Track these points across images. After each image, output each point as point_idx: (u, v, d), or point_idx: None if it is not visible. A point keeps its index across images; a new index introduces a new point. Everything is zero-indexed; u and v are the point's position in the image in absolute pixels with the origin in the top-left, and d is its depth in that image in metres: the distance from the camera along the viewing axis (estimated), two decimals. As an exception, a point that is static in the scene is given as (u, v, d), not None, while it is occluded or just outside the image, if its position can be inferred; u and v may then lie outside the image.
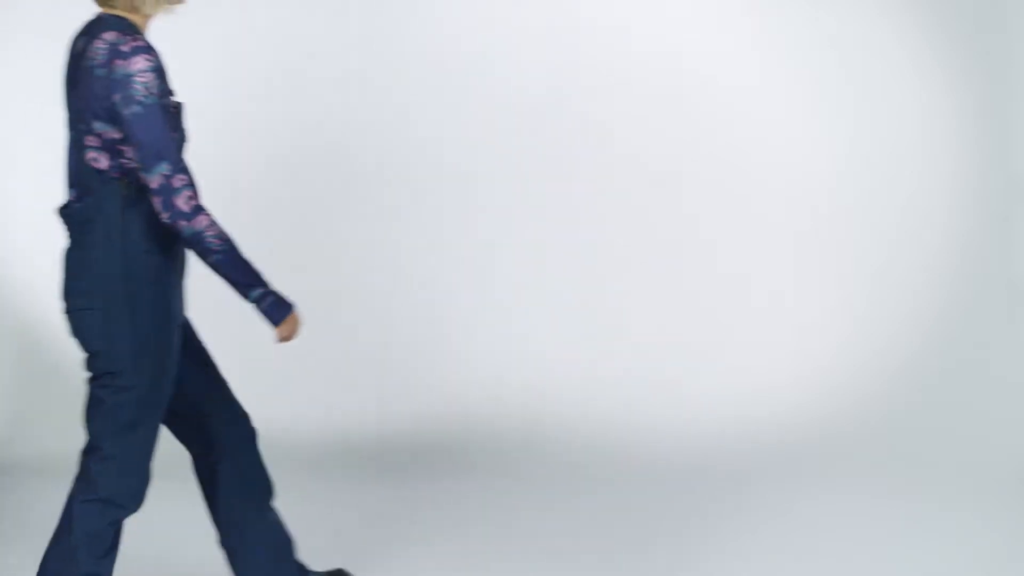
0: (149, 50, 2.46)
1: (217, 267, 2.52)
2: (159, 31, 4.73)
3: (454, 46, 4.72)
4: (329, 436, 4.48)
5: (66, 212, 2.60)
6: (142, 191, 2.50)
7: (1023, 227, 4.66)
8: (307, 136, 4.76)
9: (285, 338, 2.61)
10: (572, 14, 4.73)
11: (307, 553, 3.40)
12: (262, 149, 4.77)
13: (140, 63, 2.43)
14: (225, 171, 4.78)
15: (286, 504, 3.86)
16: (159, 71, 2.48)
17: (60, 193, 4.77)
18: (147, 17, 2.57)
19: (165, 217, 2.46)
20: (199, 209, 2.48)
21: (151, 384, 2.62)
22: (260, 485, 2.89)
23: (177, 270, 2.65)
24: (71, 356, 4.70)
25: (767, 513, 3.71)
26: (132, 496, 2.73)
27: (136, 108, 2.42)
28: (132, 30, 2.52)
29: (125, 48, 2.44)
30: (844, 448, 4.32)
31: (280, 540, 2.91)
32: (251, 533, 2.87)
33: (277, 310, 2.58)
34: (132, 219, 2.52)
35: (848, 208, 4.80)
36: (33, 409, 4.51)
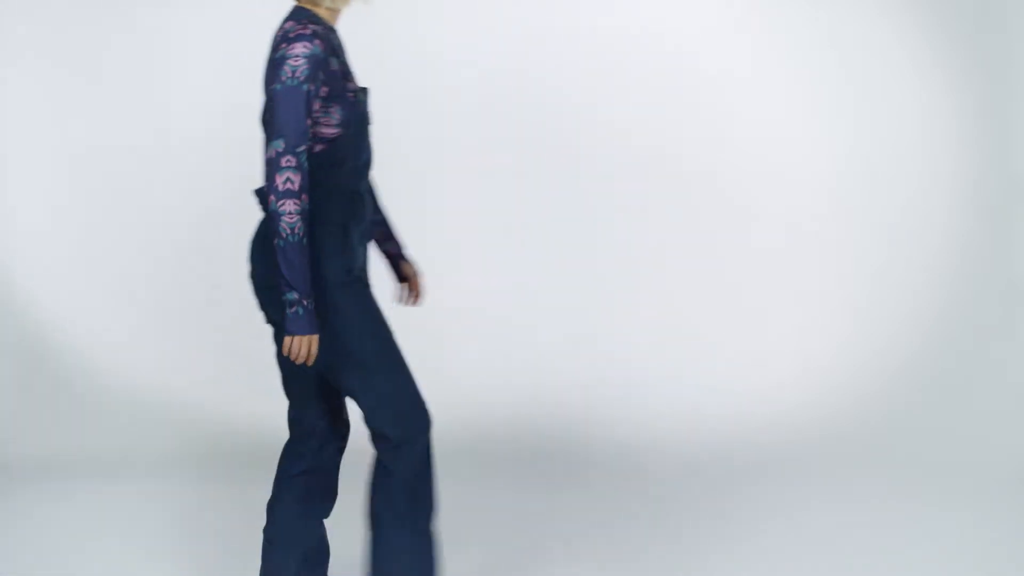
0: (311, 39, 2.54)
1: (277, 251, 2.53)
2: (160, 30, 4.75)
3: (456, 46, 4.72)
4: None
5: (258, 191, 2.70)
6: (316, 170, 2.60)
7: (1023, 227, 4.66)
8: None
9: (286, 350, 2.60)
10: (572, 14, 4.73)
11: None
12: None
13: (297, 48, 2.52)
14: (226, 171, 4.80)
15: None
16: (314, 59, 2.53)
17: (60, 199, 4.81)
18: (331, 10, 2.65)
19: (266, 188, 2.56)
20: (290, 194, 2.51)
21: (370, 336, 2.72)
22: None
23: (357, 235, 2.71)
24: (71, 357, 4.71)
25: (767, 513, 3.71)
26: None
27: (277, 86, 2.53)
28: (311, 19, 2.60)
29: (292, 35, 2.55)
30: (844, 448, 4.32)
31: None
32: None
33: (297, 322, 2.55)
34: (319, 194, 2.61)
35: (848, 208, 4.80)
36: (33, 409, 4.52)
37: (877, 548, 3.41)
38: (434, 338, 4.68)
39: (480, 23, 4.72)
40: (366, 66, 4.74)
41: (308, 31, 2.54)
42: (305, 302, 2.54)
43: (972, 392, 4.49)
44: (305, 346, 2.57)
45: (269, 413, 4.59)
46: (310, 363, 2.61)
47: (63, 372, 4.65)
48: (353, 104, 2.62)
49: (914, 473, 4.10)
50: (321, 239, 2.62)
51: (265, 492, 3.99)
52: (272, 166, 2.52)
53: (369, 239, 2.80)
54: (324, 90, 2.56)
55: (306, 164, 2.54)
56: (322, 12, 2.64)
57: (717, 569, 3.25)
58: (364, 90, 2.69)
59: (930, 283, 4.75)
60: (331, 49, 2.58)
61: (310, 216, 2.58)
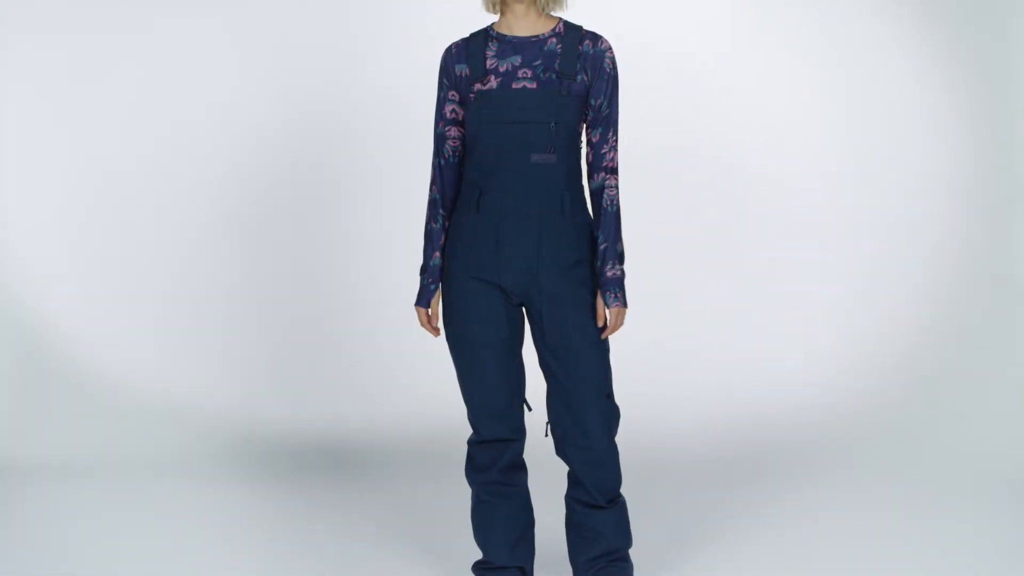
0: (446, 50, 2.91)
1: None
2: (160, 32, 4.75)
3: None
4: (328, 437, 4.49)
5: None
6: (462, 166, 2.96)
7: (1022, 224, 4.67)
8: (309, 137, 4.76)
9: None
10: (572, 15, 4.73)
11: (304, 551, 3.41)
12: (264, 148, 4.77)
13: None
14: (228, 170, 4.79)
15: (286, 503, 3.87)
16: (441, 68, 2.92)
17: (60, 200, 4.81)
18: (502, 15, 2.88)
19: None
20: (429, 187, 2.95)
21: (447, 328, 2.93)
22: None
23: (476, 230, 2.87)
24: (71, 357, 4.71)
25: (766, 512, 3.71)
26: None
27: None
28: (476, 32, 2.92)
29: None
30: (841, 444, 4.33)
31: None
32: None
33: (417, 295, 2.95)
34: (461, 186, 2.96)
35: (847, 206, 4.81)
36: (33, 409, 4.52)
37: (877, 547, 3.41)
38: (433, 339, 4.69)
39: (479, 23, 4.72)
40: (370, 67, 4.77)
41: (451, 44, 2.92)
42: (420, 278, 2.93)
43: (971, 391, 4.49)
44: (419, 317, 2.95)
45: (269, 413, 4.60)
46: (428, 331, 2.97)
47: (63, 372, 4.65)
48: (473, 104, 2.83)
49: (912, 469, 4.10)
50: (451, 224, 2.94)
51: (264, 491, 4.01)
52: None
53: (528, 239, 2.84)
54: (453, 94, 2.90)
55: (440, 160, 2.92)
56: (500, 21, 2.89)
57: (717, 569, 3.25)
58: (511, 91, 2.80)
59: (929, 280, 4.76)
60: (463, 56, 2.87)
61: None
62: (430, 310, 2.95)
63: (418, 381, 4.62)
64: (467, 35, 2.92)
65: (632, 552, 3.16)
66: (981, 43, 4.72)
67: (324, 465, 4.26)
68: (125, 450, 4.36)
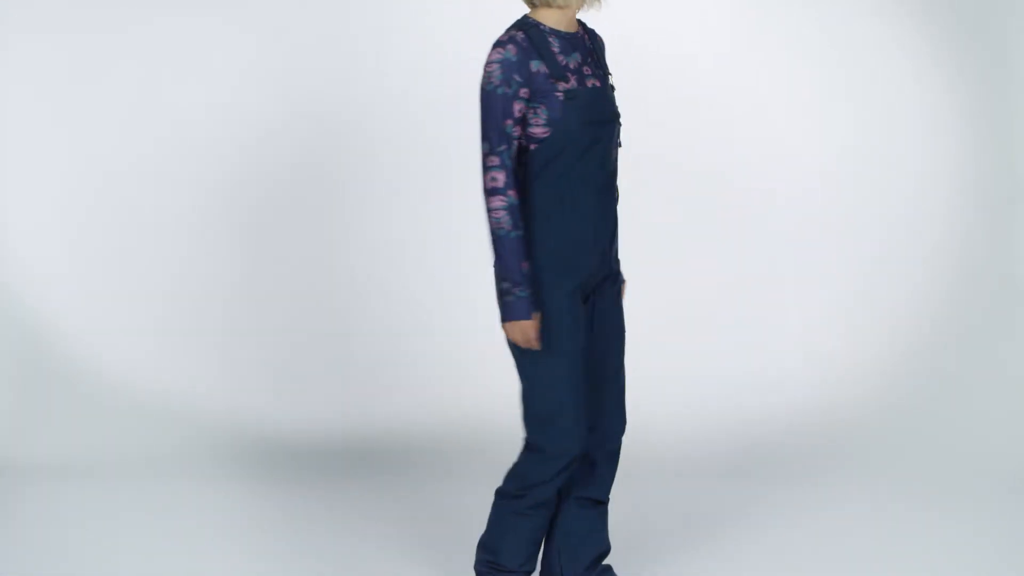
0: (505, 44, 2.71)
1: (491, 244, 2.77)
2: (159, 33, 4.75)
3: (455, 47, 4.71)
4: (329, 437, 4.49)
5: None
6: (534, 168, 2.78)
7: (1023, 227, 4.66)
8: (309, 137, 4.76)
9: (510, 336, 2.77)
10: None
11: (304, 551, 3.40)
12: (265, 148, 4.77)
13: (493, 55, 2.72)
14: (229, 170, 4.79)
15: (287, 503, 3.87)
16: (506, 63, 2.70)
17: (60, 199, 4.80)
18: (562, 10, 2.77)
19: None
20: (495, 191, 2.72)
21: (551, 351, 2.80)
22: None
23: (571, 236, 2.80)
24: (71, 357, 4.71)
25: (766, 512, 3.71)
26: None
27: (480, 93, 2.73)
28: (520, 26, 2.76)
29: (495, 43, 2.75)
30: (841, 444, 4.32)
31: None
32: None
33: (509, 310, 2.75)
34: (534, 190, 2.79)
35: (847, 206, 4.79)
36: (33, 409, 4.51)
37: (876, 547, 3.40)
38: (433, 340, 4.69)
39: (484, 30, 4.71)
40: (370, 67, 4.77)
41: (505, 37, 2.72)
42: (516, 291, 2.72)
43: (972, 391, 4.48)
44: (518, 332, 2.73)
45: (270, 413, 4.60)
46: (534, 346, 2.74)
47: (63, 372, 4.65)
48: (562, 104, 2.72)
49: (913, 469, 4.10)
50: (532, 231, 2.78)
51: (265, 492, 4.01)
52: (483, 168, 2.74)
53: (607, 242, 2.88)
54: (524, 91, 2.70)
55: (510, 163, 2.72)
56: (549, 16, 2.76)
57: (717, 570, 3.24)
58: (590, 90, 2.76)
59: (929, 280, 4.75)
60: (533, 52, 2.71)
61: (531, 210, 2.77)
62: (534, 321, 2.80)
63: (420, 382, 4.62)
64: (512, 30, 2.76)
65: (632, 554, 3.15)
66: (981, 43, 4.71)
67: (324, 465, 4.25)
68: (125, 450, 4.35)
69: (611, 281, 2.93)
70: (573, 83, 2.75)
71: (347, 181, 4.76)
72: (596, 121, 2.78)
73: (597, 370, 2.92)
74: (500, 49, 2.71)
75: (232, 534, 3.57)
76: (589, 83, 2.78)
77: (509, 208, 2.71)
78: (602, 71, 2.84)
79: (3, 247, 4.74)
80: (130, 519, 3.71)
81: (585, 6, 2.79)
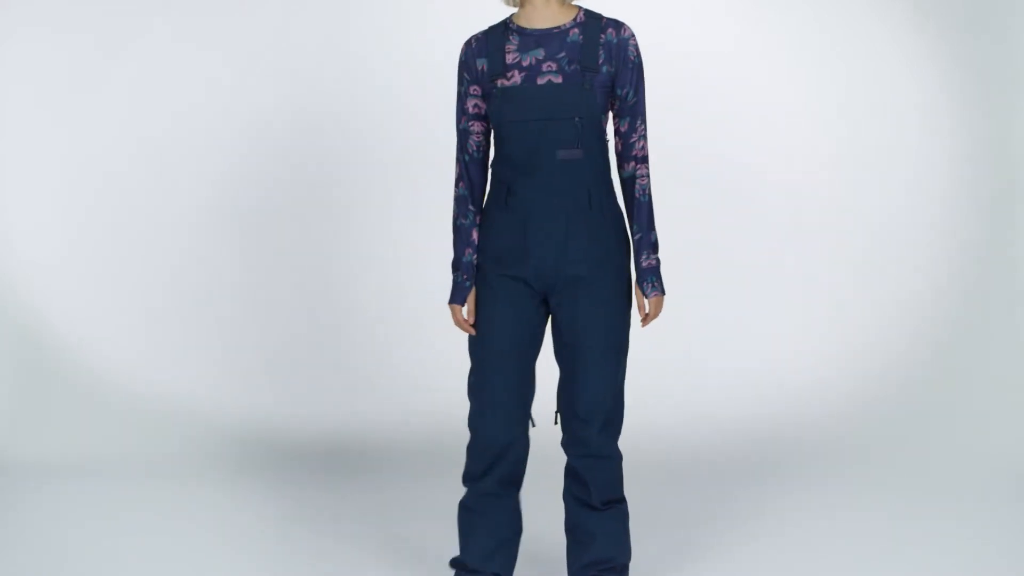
0: (465, 44, 2.88)
1: None
2: (157, 34, 4.75)
3: (455, 47, 4.71)
4: (329, 437, 4.49)
5: None
6: (492, 159, 2.91)
7: (1023, 227, 4.66)
8: (309, 136, 4.76)
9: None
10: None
11: (303, 550, 3.40)
12: (265, 147, 4.77)
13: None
14: (228, 169, 4.79)
15: (282, 502, 3.87)
16: (459, 63, 2.88)
17: (60, 200, 4.80)
18: (521, 7, 2.84)
19: None
20: (456, 184, 2.93)
21: (474, 338, 2.92)
22: None
23: (505, 226, 2.86)
24: (71, 358, 4.71)
25: (766, 512, 3.71)
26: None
27: None
28: (495, 25, 2.87)
29: None
30: (841, 448, 4.32)
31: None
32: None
33: (451, 292, 2.92)
34: (489, 182, 2.96)
35: (847, 207, 4.80)
36: (33, 409, 4.52)
37: (876, 547, 3.41)
38: (432, 340, 4.68)
39: (476, 23, 4.72)
40: (368, 67, 4.77)
41: (470, 37, 2.87)
42: (454, 275, 2.91)
43: (972, 392, 4.49)
44: (451, 314, 2.90)
45: (269, 413, 4.60)
46: (464, 329, 2.90)
47: (63, 372, 4.65)
48: (498, 100, 2.78)
49: (913, 469, 4.10)
50: (481, 221, 2.91)
51: (263, 491, 4.01)
52: None
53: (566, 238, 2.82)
54: (474, 88, 2.85)
55: (465, 156, 2.90)
56: (518, 14, 2.84)
57: (719, 570, 3.25)
58: (536, 87, 2.76)
59: (928, 280, 4.75)
60: (483, 51, 2.82)
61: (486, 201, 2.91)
62: (466, 307, 2.92)
63: (419, 382, 4.62)
64: (486, 28, 2.87)
65: (634, 556, 3.14)
66: (981, 43, 4.71)
67: (324, 465, 4.26)
68: (125, 450, 4.36)
69: (584, 284, 2.82)
70: (516, 79, 2.77)
71: (346, 181, 4.76)
72: (529, 119, 2.76)
73: (567, 379, 2.89)
74: (462, 48, 2.87)
75: (232, 534, 3.57)
76: (542, 79, 2.76)
77: (457, 199, 2.92)
78: (580, 66, 2.76)
79: (3, 247, 4.75)
80: (130, 519, 3.71)
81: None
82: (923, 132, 4.78)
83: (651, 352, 4.68)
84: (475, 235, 2.89)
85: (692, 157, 4.75)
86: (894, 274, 4.77)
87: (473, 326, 2.89)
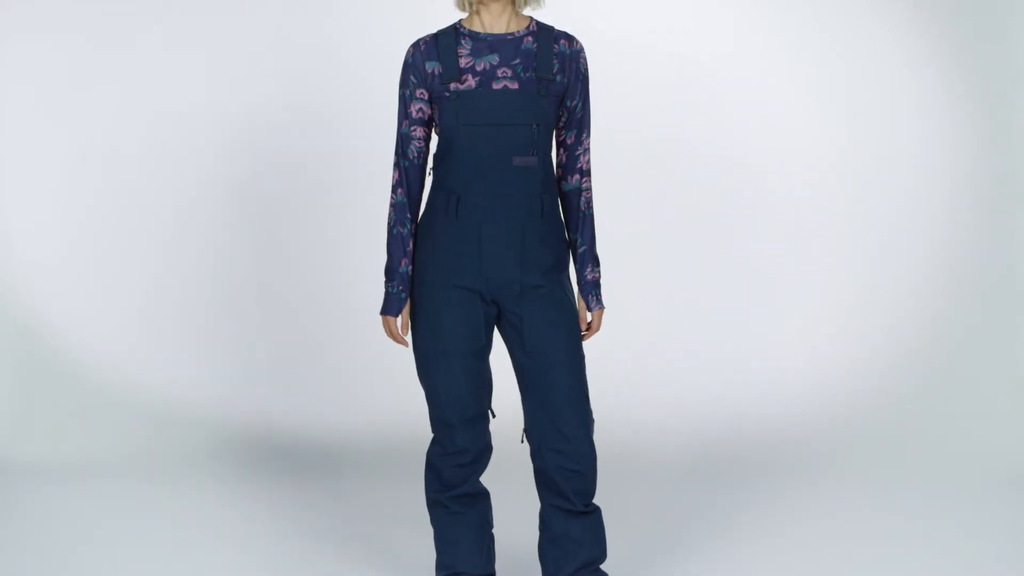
0: (412, 46, 2.80)
1: None
2: (155, 34, 4.75)
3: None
4: (329, 437, 4.49)
5: None
6: (436, 164, 2.83)
7: (1021, 222, 4.66)
8: (305, 138, 4.76)
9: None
10: (576, 21, 4.73)
11: (302, 550, 3.40)
12: (266, 147, 4.77)
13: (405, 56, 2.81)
14: (224, 170, 4.79)
15: (281, 503, 3.87)
16: (405, 65, 2.80)
17: (60, 200, 4.80)
18: (474, 12, 2.80)
19: None
20: (393, 188, 2.84)
21: (419, 336, 2.86)
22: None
23: (453, 236, 2.79)
24: (71, 357, 4.71)
25: (765, 512, 3.71)
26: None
27: None
28: (445, 29, 2.81)
29: None
30: (841, 448, 4.32)
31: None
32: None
33: (384, 303, 2.86)
34: (431, 188, 2.86)
35: (845, 205, 4.80)
36: (33, 409, 4.52)
37: (876, 547, 3.41)
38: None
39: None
40: (365, 68, 4.77)
41: (416, 41, 2.79)
42: (387, 285, 2.82)
43: (971, 392, 4.49)
44: (384, 326, 2.84)
45: (269, 413, 4.60)
46: (398, 341, 2.86)
47: (63, 372, 4.65)
48: (450, 104, 2.73)
49: (913, 469, 4.11)
50: (422, 228, 2.83)
51: (263, 491, 4.01)
52: None
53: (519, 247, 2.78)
54: (421, 92, 2.77)
55: (404, 162, 2.81)
56: (471, 19, 2.80)
57: (715, 571, 3.25)
58: (491, 92, 2.72)
59: (928, 281, 4.75)
60: (434, 54, 2.75)
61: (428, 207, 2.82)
62: (400, 319, 2.86)
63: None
64: (433, 31, 2.82)
65: (630, 555, 3.14)
66: (981, 43, 4.71)
67: (323, 466, 4.26)
68: (125, 450, 4.36)
69: (543, 292, 2.79)
70: (471, 84, 2.72)
71: (346, 182, 4.76)
72: (487, 124, 2.72)
73: (537, 387, 2.82)
74: (408, 51, 2.79)
75: (231, 534, 3.57)
76: (498, 85, 2.73)
77: (394, 205, 2.83)
78: (535, 74, 2.74)
79: (3, 247, 4.75)
80: (130, 519, 3.71)
81: (527, 7, 2.77)
82: (923, 132, 4.78)
83: (651, 352, 4.70)
84: (411, 244, 2.83)
85: (692, 157, 4.75)
86: (894, 274, 4.77)
87: (417, 335, 2.84)
